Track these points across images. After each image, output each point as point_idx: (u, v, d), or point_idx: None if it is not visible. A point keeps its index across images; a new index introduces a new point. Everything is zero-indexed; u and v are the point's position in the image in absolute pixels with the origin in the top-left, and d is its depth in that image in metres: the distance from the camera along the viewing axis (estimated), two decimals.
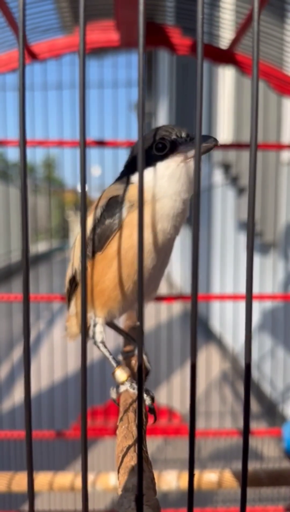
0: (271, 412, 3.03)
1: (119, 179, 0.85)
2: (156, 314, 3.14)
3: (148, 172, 0.78)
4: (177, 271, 6.47)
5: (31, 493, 0.41)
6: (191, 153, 0.75)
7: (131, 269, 0.77)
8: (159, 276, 0.88)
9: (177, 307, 5.25)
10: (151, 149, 0.78)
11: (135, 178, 0.81)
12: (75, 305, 0.92)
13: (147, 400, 0.75)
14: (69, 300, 0.95)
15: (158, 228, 0.78)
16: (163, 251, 0.82)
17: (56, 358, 3.06)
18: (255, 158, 0.40)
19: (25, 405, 0.40)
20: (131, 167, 0.83)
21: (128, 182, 0.81)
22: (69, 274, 0.92)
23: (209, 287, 4.75)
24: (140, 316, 0.38)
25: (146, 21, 1.23)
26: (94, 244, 0.79)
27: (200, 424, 2.86)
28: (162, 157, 0.77)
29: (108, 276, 0.79)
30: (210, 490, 1.71)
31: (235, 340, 3.75)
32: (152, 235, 0.78)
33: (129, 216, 0.77)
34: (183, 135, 0.77)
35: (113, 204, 0.79)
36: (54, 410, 2.65)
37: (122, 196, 0.79)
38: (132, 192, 0.79)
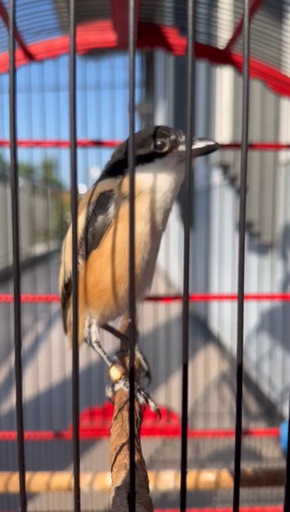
0: (270, 412, 3.02)
1: (107, 175, 0.85)
2: (154, 315, 3.14)
3: (147, 167, 0.80)
4: (175, 270, 6.48)
5: (23, 493, 0.41)
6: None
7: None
8: (153, 271, 0.89)
9: (175, 307, 5.24)
10: (150, 146, 0.79)
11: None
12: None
13: (140, 399, 0.74)
14: (64, 307, 0.93)
15: (152, 220, 0.80)
16: (156, 244, 0.84)
17: (54, 360, 3.06)
18: (246, 154, 0.40)
19: (16, 404, 0.40)
20: (124, 163, 0.84)
21: (121, 177, 0.82)
22: (62, 278, 0.90)
23: (208, 287, 4.76)
24: (131, 312, 0.38)
25: (143, 22, 1.23)
26: (88, 243, 0.79)
27: (198, 425, 2.85)
28: (161, 155, 0.79)
29: (108, 273, 0.78)
30: (209, 491, 1.71)
31: (233, 340, 3.75)
32: (148, 226, 0.79)
33: (123, 209, 0.77)
34: (183, 136, 0.79)
35: (104, 200, 0.79)
36: (52, 411, 2.65)
37: (114, 190, 0.80)
38: (126, 185, 0.80)
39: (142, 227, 0.78)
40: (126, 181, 0.80)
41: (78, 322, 0.44)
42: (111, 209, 0.78)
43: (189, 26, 0.35)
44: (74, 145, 0.40)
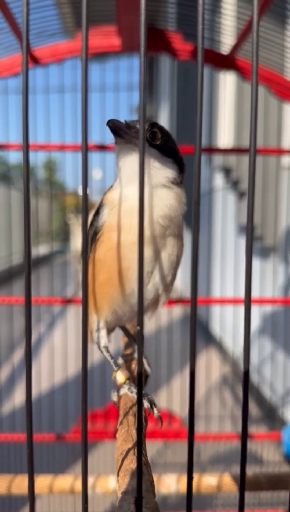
0: (271, 416, 3.02)
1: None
2: (156, 318, 3.14)
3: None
4: (178, 274, 6.46)
5: (31, 496, 0.42)
6: (119, 140, 0.75)
7: (111, 272, 0.77)
8: (161, 282, 0.82)
9: (177, 311, 5.25)
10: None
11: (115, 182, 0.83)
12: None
13: (145, 403, 0.75)
14: None
15: (134, 229, 0.75)
16: (155, 254, 0.78)
17: (56, 361, 3.06)
18: (254, 164, 0.41)
19: (26, 408, 0.41)
20: None
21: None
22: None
23: (210, 291, 4.76)
24: (140, 321, 0.39)
25: (148, 27, 1.24)
26: (90, 246, 0.81)
27: (200, 428, 2.85)
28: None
29: (96, 279, 0.79)
30: (210, 494, 1.71)
31: (235, 343, 3.75)
32: (130, 237, 0.75)
33: (108, 220, 0.78)
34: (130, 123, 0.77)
35: (100, 208, 0.80)
36: (54, 413, 2.65)
37: (103, 201, 0.81)
38: (111, 193, 0.81)
39: (124, 238, 0.75)
40: (112, 190, 0.81)
41: (87, 325, 0.44)
42: (100, 218, 0.79)
43: (198, 39, 0.35)
44: (85, 151, 0.41)
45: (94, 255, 0.79)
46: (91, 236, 0.81)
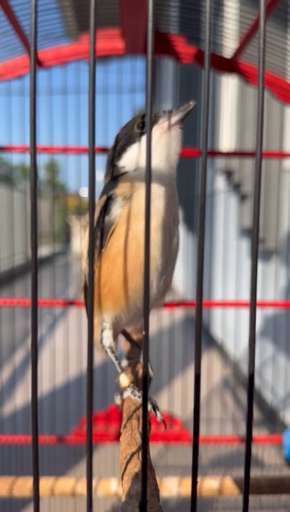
0: (272, 419, 3.02)
1: (111, 179, 0.86)
2: (158, 320, 3.14)
3: (133, 150, 0.81)
4: (179, 277, 6.47)
5: (36, 499, 0.42)
6: (172, 120, 0.78)
7: (136, 263, 0.76)
8: (171, 270, 0.85)
9: (179, 313, 5.24)
10: (133, 129, 0.81)
11: (124, 163, 0.84)
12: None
13: (148, 406, 0.74)
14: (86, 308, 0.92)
15: (159, 214, 0.77)
16: (168, 239, 0.80)
17: (57, 363, 3.06)
18: (260, 169, 0.41)
19: (32, 412, 0.41)
20: (113, 162, 0.86)
21: (117, 179, 0.83)
22: (82, 281, 0.90)
23: (211, 294, 4.76)
24: (146, 325, 0.39)
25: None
26: (100, 244, 0.79)
27: (201, 431, 2.82)
28: (144, 133, 0.79)
29: (115, 273, 0.77)
30: (211, 497, 1.71)
31: (236, 346, 3.74)
32: (153, 221, 0.77)
33: (125, 210, 0.77)
34: (161, 112, 0.80)
35: (110, 202, 0.79)
36: (55, 415, 2.65)
37: (115, 193, 0.80)
38: (123, 185, 0.81)
39: (142, 227, 0.75)
40: (122, 183, 0.82)
41: (92, 325, 0.44)
42: (113, 211, 0.78)
43: (205, 46, 0.36)
44: (92, 154, 0.41)
45: (110, 249, 0.77)
46: (99, 234, 0.79)
